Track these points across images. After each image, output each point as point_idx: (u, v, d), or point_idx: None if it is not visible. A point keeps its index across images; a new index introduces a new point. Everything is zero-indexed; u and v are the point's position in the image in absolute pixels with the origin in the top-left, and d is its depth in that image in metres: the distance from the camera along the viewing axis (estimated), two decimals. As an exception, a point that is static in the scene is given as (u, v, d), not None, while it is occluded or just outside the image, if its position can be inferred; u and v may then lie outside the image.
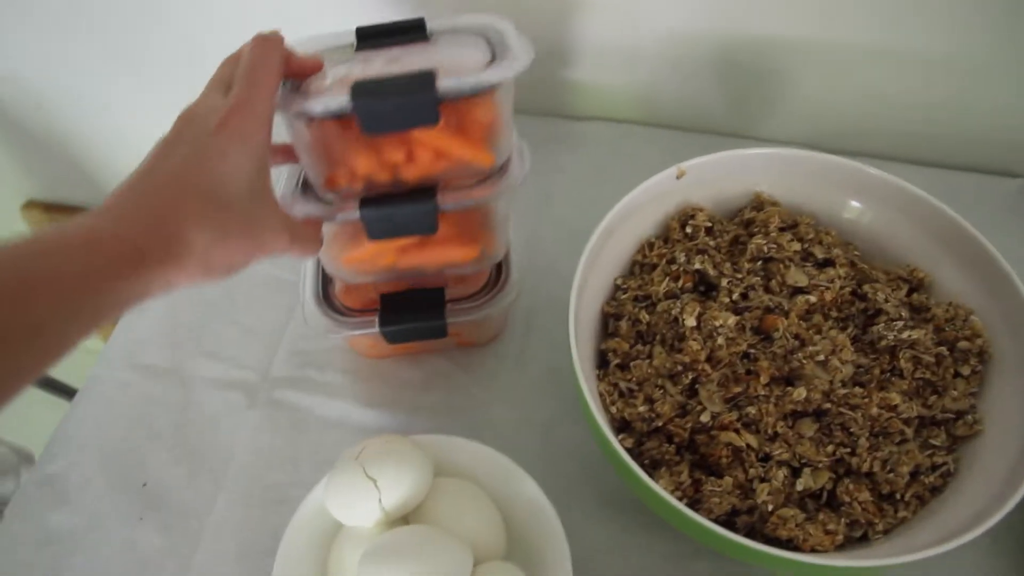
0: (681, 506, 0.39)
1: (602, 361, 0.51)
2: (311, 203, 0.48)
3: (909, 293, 0.51)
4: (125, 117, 0.97)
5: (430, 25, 0.47)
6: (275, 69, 0.39)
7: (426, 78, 0.41)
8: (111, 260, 0.32)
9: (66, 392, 1.07)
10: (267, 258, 0.39)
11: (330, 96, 0.41)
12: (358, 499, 0.44)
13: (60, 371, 1.09)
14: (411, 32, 0.47)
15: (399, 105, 0.41)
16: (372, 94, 0.41)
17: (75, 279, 0.30)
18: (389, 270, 0.53)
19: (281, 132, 0.45)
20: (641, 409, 0.46)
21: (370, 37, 0.47)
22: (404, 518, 0.46)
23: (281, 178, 0.51)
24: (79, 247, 0.31)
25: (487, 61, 0.43)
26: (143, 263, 0.33)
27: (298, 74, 0.43)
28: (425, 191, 0.47)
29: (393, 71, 0.42)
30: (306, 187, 0.49)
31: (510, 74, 0.41)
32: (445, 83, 0.41)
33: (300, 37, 0.48)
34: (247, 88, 0.38)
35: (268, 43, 0.40)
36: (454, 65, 0.43)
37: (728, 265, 0.51)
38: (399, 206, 0.47)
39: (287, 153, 0.47)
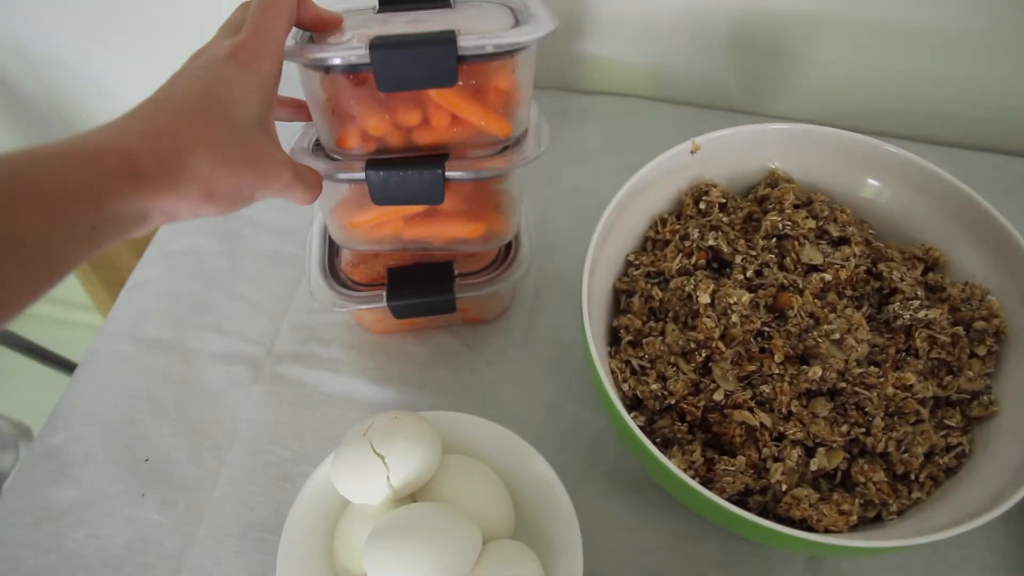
0: (694, 483, 0.38)
1: (614, 338, 0.50)
2: (320, 160, 0.47)
3: (924, 272, 0.50)
4: (125, 89, 0.95)
5: None
6: (289, 3, 0.38)
7: (446, 36, 0.40)
8: (106, 173, 0.30)
9: (66, 366, 1.06)
10: (271, 195, 0.38)
11: (347, 47, 0.40)
12: (366, 476, 0.43)
13: (60, 345, 1.08)
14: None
15: (417, 60, 0.40)
16: (390, 47, 0.40)
17: (64, 189, 0.28)
18: (394, 239, 0.52)
19: (294, 88, 0.44)
20: (653, 387, 0.45)
21: (392, 1, 0.46)
22: (412, 496, 0.46)
23: (292, 137, 0.50)
24: (72, 157, 0.29)
25: (511, 26, 0.42)
26: (141, 180, 0.31)
27: (316, 26, 0.42)
28: (434, 158, 0.46)
29: (414, 31, 0.41)
30: (317, 147, 0.48)
31: (533, 37, 0.40)
32: (466, 41, 0.40)
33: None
34: (259, 17, 0.37)
35: None
36: (477, 28, 0.42)
37: (742, 242, 0.50)
38: (406, 170, 0.46)
39: (298, 108, 0.46)
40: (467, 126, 0.45)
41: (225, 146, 0.35)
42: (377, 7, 0.46)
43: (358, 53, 0.40)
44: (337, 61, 0.40)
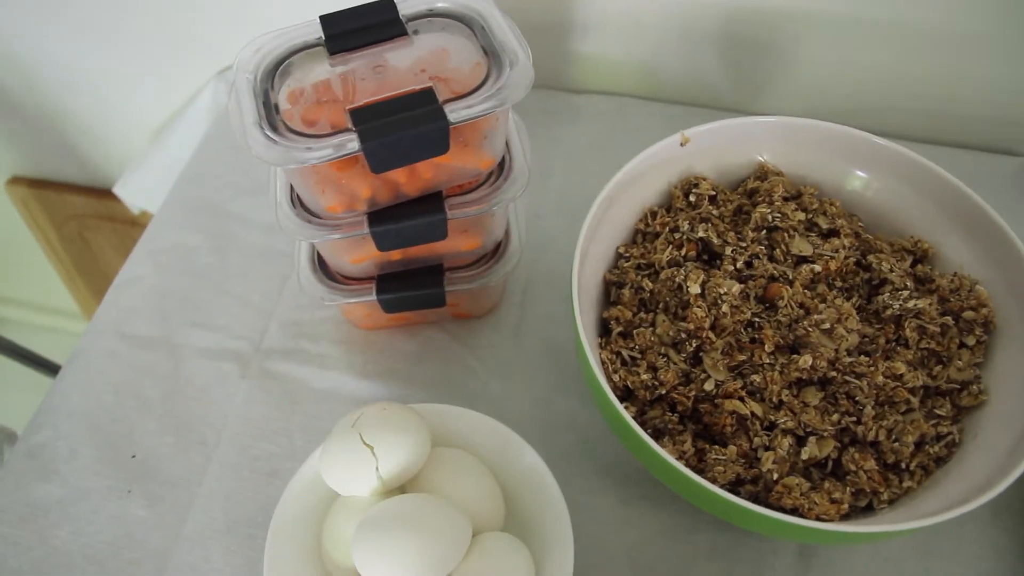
0: (688, 471, 0.38)
1: (604, 330, 0.50)
2: (313, 222, 0.46)
3: (914, 264, 0.50)
4: (111, 92, 0.95)
5: (402, 7, 0.45)
6: None
7: (435, 112, 0.39)
8: None
9: (52, 370, 1.05)
10: None
11: (335, 140, 0.39)
12: (354, 467, 0.43)
13: (45, 348, 1.07)
14: (385, 24, 0.45)
15: (411, 143, 0.40)
16: (382, 135, 0.39)
17: None
18: (395, 261, 0.52)
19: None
20: (644, 377, 0.45)
21: (340, 31, 0.45)
22: (401, 488, 0.45)
23: (275, 183, 0.49)
24: None
25: (484, 66, 0.42)
26: None
27: None
28: (432, 200, 0.46)
29: (388, 92, 0.41)
30: (301, 201, 0.48)
31: (521, 92, 0.40)
32: (456, 113, 0.39)
33: (267, 34, 0.47)
34: None
35: None
36: (450, 73, 0.42)
37: (732, 234, 0.50)
38: (408, 220, 0.46)
39: None
40: (451, 168, 0.45)
41: None
42: (325, 42, 0.45)
43: (349, 147, 0.39)
44: (328, 155, 0.39)
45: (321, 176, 0.44)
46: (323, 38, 0.45)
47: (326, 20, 0.45)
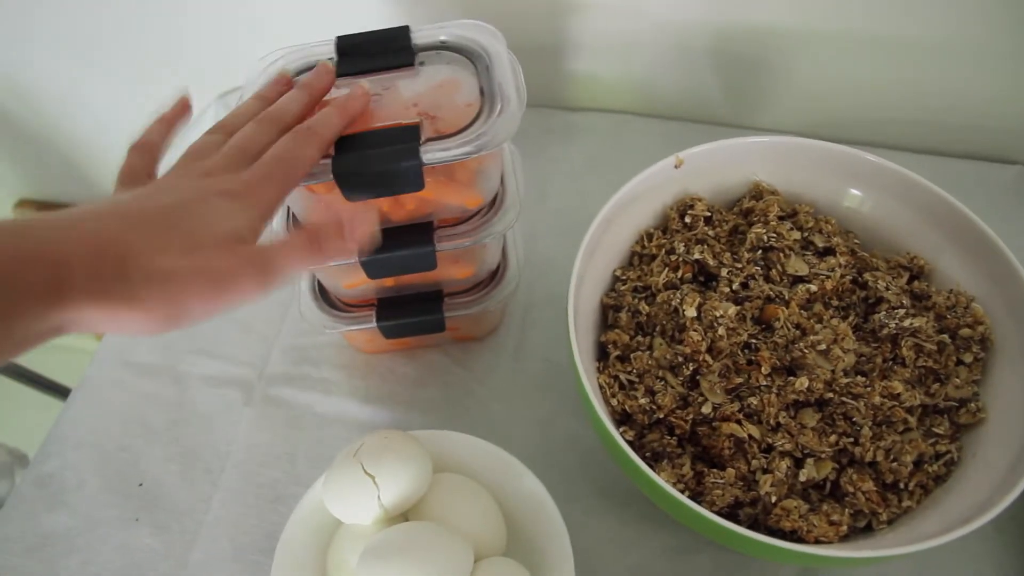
0: (684, 498, 0.39)
1: (602, 353, 0.50)
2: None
3: (910, 281, 0.51)
4: (115, 113, 0.97)
5: (415, 36, 0.47)
6: (305, 170, 0.37)
7: (411, 151, 0.40)
8: (26, 292, 0.26)
9: (61, 392, 1.06)
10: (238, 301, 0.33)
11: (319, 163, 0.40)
12: (356, 496, 0.43)
13: (55, 371, 1.08)
14: (396, 52, 0.46)
15: (383, 179, 0.41)
16: (353, 172, 0.40)
17: None
18: (390, 287, 0.53)
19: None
20: (642, 401, 0.45)
21: (352, 53, 0.46)
22: (403, 515, 0.46)
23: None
24: None
25: (476, 107, 0.42)
26: (64, 295, 0.28)
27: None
28: (421, 230, 0.47)
29: (379, 123, 0.42)
30: (295, 221, 0.49)
31: (501, 139, 0.41)
32: (431, 156, 0.40)
33: (281, 50, 0.48)
34: (266, 184, 0.35)
35: (313, 139, 0.38)
36: (442, 111, 0.42)
37: (728, 255, 0.51)
38: (397, 251, 0.46)
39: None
40: (439, 204, 0.46)
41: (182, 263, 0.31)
42: (337, 62, 0.46)
43: (323, 176, 0.40)
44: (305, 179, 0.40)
45: (310, 193, 0.45)
46: (334, 58, 0.46)
47: (342, 40, 0.46)
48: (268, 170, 0.36)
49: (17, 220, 0.28)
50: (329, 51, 0.47)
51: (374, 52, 0.46)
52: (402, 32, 0.46)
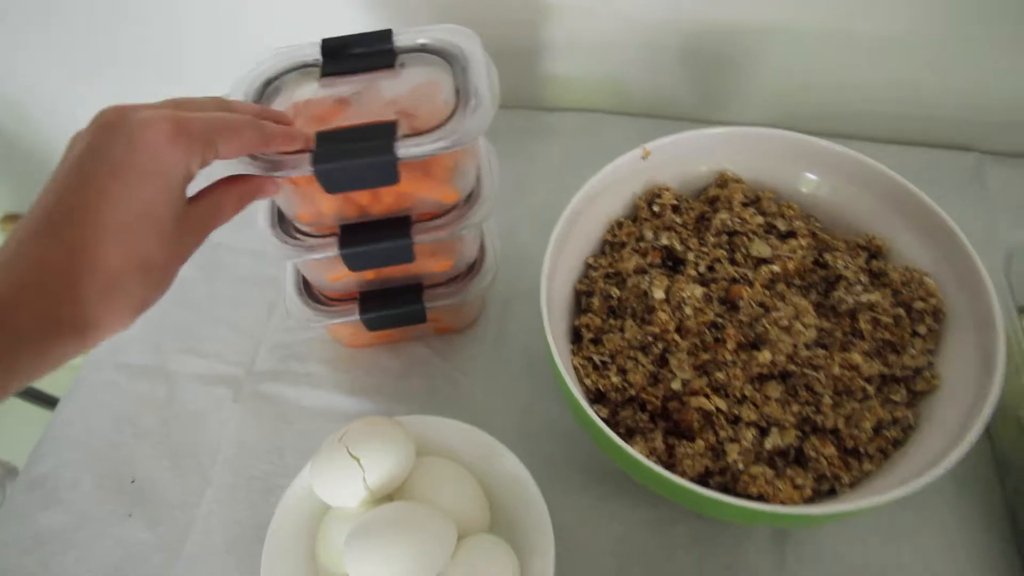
0: (656, 467, 0.41)
1: (576, 337, 0.52)
2: (288, 242, 0.50)
3: (869, 260, 0.53)
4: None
5: (397, 39, 0.49)
6: (236, 131, 0.38)
7: (384, 145, 0.42)
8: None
9: (47, 402, 1.07)
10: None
11: (290, 163, 0.42)
12: (343, 479, 0.45)
13: (45, 383, 1.09)
14: (378, 54, 0.48)
15: (359, 172, 0.43)
16: (332, 161, 0.42)
17: None
18: (372, 280, 0.55)
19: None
20: (615, 380, 0.47)
21: (337, 55, 0.48)
22: (389, 497, 0.47)
23: (260, 208, 0.52)
24: None
25: (451, 106, 0.44)
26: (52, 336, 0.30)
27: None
28: (399, 224, 0.49)
29: (359, 120, 0.44)
30: (281, 217, 0.51)
31: (473, 135, 0.43)
32: (406, 151, 0.42)
33: (267, 51, 0.50)
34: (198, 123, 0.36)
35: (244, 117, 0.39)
36: (419, 109, 0.44)
37: (694, 240, 0.53)
38: (375, 244, 0.49)
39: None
40: (416, 198, 0.48)
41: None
42: (321, 63, 0.48)
43: (301, 169, 0.42)
44: (282, 173, 0.42)
45: (293, 186, 0.47)
46: (319, 60, 0.49)
47: (327, 43, 0.49)
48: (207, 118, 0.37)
49: None
50: (315, 52, 0.49)
51: (357, 54, 0.49)
52: (384, 35, 0.49)
